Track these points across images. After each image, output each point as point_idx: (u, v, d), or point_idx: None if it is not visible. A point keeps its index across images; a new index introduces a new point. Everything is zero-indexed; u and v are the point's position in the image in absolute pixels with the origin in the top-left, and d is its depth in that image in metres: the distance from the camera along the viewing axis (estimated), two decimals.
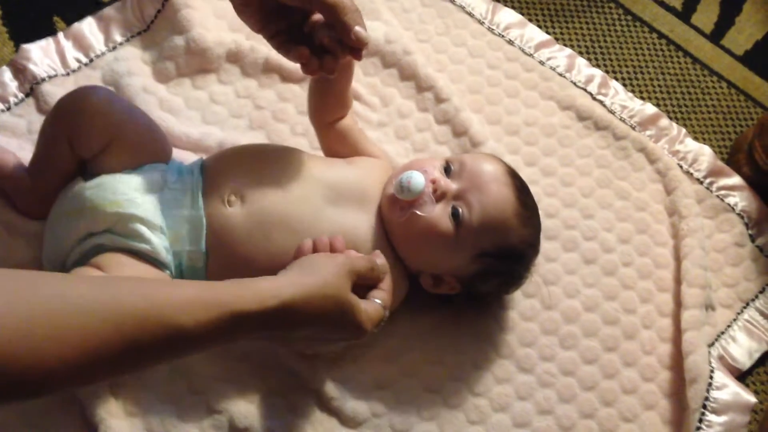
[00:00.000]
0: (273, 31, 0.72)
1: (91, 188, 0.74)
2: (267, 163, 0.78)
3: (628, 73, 1.10)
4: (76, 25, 0.94)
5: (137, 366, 0.55)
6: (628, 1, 1.16)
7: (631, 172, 1.00)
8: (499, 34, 1.07)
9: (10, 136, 0.86)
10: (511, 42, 1.06)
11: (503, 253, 0.78)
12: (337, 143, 0.85)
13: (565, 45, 1.09)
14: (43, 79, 0.88)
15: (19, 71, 0.89)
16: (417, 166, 0.79)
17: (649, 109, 1.04)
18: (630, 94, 1.06)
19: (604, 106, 1.04)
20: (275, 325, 0.60)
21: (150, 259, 0.72)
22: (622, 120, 1.03)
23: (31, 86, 0.88)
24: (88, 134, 0.74)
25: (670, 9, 1.16)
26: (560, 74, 1.05)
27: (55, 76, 0.90)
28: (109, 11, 0.95)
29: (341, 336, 0.67)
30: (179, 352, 0.56)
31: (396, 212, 0.77)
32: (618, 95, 1.05)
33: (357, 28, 0.69)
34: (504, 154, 0.96)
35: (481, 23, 1.07)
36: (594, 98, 1.04)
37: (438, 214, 0.76)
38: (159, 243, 0.72)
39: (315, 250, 0.70)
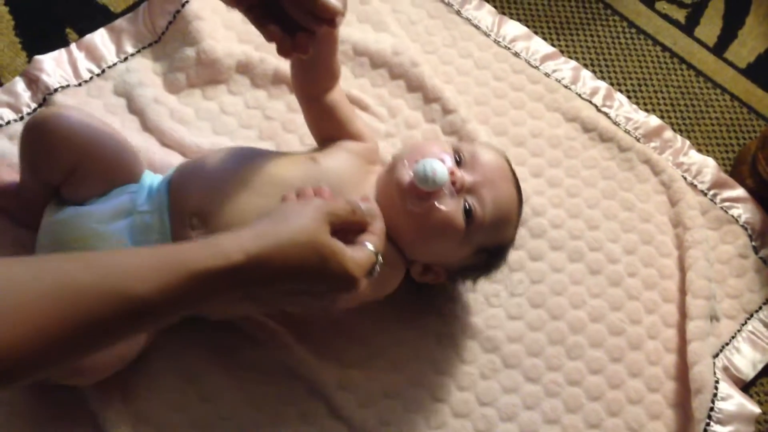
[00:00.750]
0: (247, 5, 0.66)
1: (57, 223, 0.72)
2: (227, 175, 0.73)
3: (632, 85, 1.11)
4: (88, 36, 0.95)
5: (100, 342, 0.50)
6: (632, 14, 1.17)
7: (635, 184, 1.01)
8: (505, 46, 1.08)
9: None
10: (516, 54, 1.08)
11: (497, 250, 0.80)
12: (324, 120, 0.80)
13: (570, 57, 1.10)
14: (56, 90, 0.89)
15: (32, 82, 0.90)
16: (429, 152, 0.74)
17: (654, 121, 1.05)
18: (634, 106, 1.07)
19: (609, 117, 1.05)
20: (247, 281, 0.55)
21: None
22: (627, 132, 1.04)
23: (44, 96, 0.89)
24: (48, 163, 0.72)
25: (673, 22, 1.17)
26: (565, 86, 1.06)
27: (68, 86, 0.90)
28: (120, 23, 0.97)
29: (328, 287, 0.59)
30: (142, 321, 0.51)
31: (412, 201, 0.73)
32: (623, 107, 1.06)
33: None
34: None
35: (487, 35, 1.09)
36: (599, 110, 1.05)
37: (455, 208, 0.73)
38: None
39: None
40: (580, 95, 1.06)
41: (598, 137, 1.03)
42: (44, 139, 0.71)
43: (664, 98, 1.11)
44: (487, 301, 0.89)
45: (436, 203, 0.71)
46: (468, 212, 0.73)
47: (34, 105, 0.89)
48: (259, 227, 0.57)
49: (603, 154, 1.02)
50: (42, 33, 0.95)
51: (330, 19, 0.64)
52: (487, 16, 1.10)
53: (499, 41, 1.08)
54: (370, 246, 0.61)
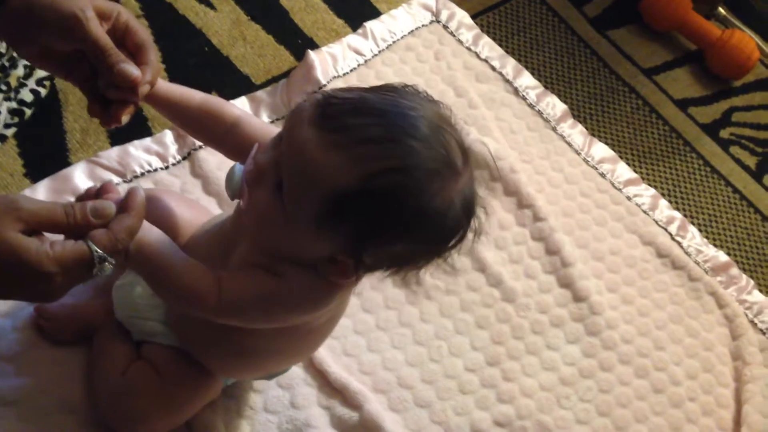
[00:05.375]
0: (80, 79, 0.67)
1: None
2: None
3: (703, 219, 1.20)
4: (231, 101, 1.04)
5: None
6: (708, 154, 1.27)
7: (701, 313, 1.08)
8: (593, 166, 1.18)
9: None
10: (603, 175, 1.17)
11: (338, 203, 0.59)
12: (234, 156, 0.73)
13: (650, 185, 1.20)
14: (200, 147, 0.98)
15: (180, 136, 0.99)
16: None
17: (722, 257, 1.14)
18: (705, 240, 1.16)
19: (681, 247, 1.14)
20: None
21: None
22: (697, 263, 1.13)
23: (189, 151, 0.98)
24: None
25: (744, 167, 1.28)
26: (644, 211, 1.15)
27: None
28: (260, 94, 1.07)
29: (9, 279, 0.55)
30: None
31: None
32: (694, 239, 1.15)
33: (121, 65, 0.62)
34: (589, 277, 1.06)
35: (578, 153, 1.18)
36: (673, 238, 1.14)
37: (257, 196, 0.62)
38: None
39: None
40: (657, 222, 1.15)
41: (671, 264, 1.11)
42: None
43: (731, 236, 1.20)
44: (558, 402, 0.96)
45: (241, 203, 0.64)
46: (279, 185, 0.61)
47: (179, 157, 0.98)
48: None
49: (674, 280, 1.10)
50: None
51: (129, 87, 0.64)
52: (579, 135, 1.20)
53: (588, 160, 1.18)
54: (90, 242, 0.56)
